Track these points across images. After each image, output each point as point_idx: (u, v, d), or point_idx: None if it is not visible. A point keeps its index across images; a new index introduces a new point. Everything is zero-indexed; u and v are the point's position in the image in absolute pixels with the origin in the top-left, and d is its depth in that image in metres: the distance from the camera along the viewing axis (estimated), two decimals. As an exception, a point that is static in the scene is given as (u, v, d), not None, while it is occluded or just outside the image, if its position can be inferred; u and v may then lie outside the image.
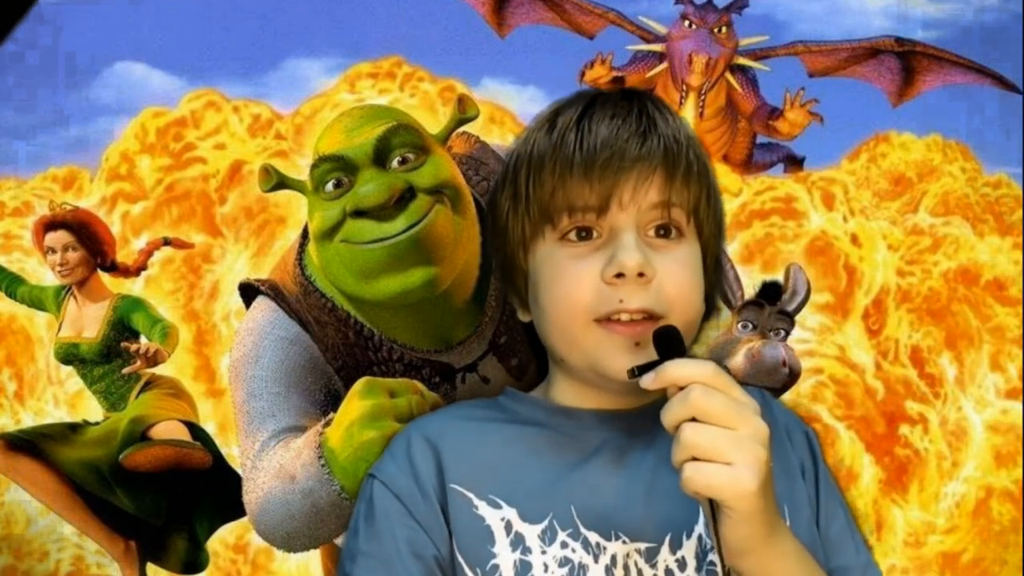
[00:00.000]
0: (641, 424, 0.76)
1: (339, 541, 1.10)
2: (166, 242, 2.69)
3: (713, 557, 0.71)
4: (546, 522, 0.73)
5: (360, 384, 0.98)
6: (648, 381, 0.66)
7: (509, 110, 3.22)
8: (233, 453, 2.32)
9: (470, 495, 0.74)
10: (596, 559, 0.72)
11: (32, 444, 2.29)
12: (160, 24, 3.18)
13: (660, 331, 0.68)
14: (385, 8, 3.25)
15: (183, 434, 2.31)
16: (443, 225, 1.06)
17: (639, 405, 0.76)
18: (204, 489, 2.33)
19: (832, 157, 3.45)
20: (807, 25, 3.32)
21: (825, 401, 3.15)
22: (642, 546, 0.73)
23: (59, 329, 2.48)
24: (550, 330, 0.76)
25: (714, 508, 0.63)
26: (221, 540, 2.71)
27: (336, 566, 0.79)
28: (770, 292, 1.97)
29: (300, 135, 3.30)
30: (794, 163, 3.44)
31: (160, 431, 2.29)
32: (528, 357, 1.18)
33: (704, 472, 0.62)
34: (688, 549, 0.74)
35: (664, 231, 0.73)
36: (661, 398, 0.66)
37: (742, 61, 3.23)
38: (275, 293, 1.18)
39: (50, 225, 2.43)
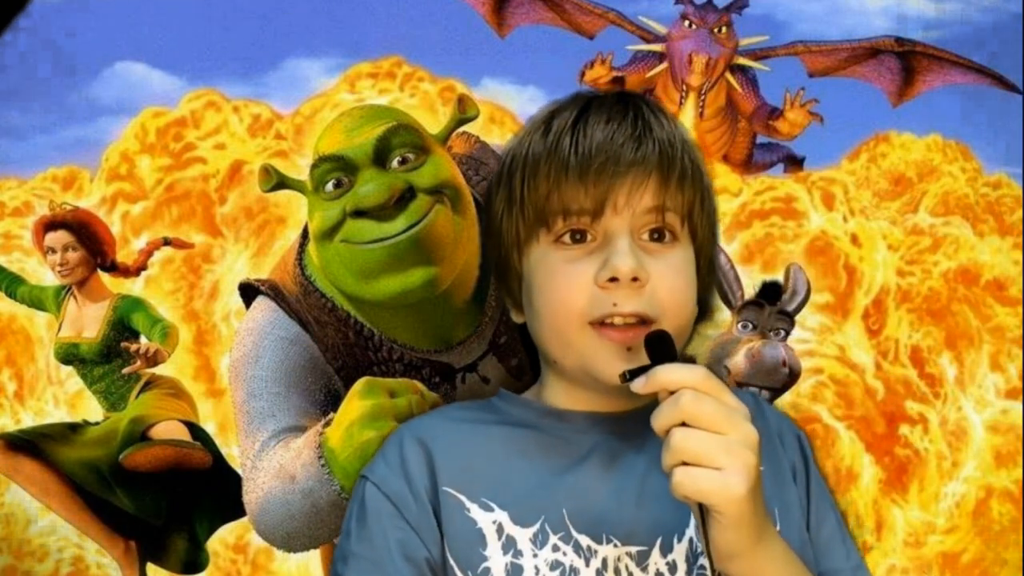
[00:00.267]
0: (632, 427, 0.76)
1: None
2: (166, 242, 2.69)
3: (703, 560, 0.71)
4: (537, 525, 0.73)
5: (360, 384, 0.98)
6: (639, 385, 0.66)
7: (509, 110, 3.22)
8: (233, 453, 2.32)
9: (462, 497, 0.74)
10: (587, 562, 0.72)
11: (32, 444, 2.29)
12: (160, 24, 3.18)
13: (651, 335, 0.68)
14: (385, 8, 3.25)
15: (183, 434, 2.30)
16: (443, 225, 1.06)
17: (631, 408, 0.76)
18: (204, 489, 2.33)
19: (832, 157, 3.45)
20: (807, 25, 3.32)
21: (825, 401, 3.15)
22: (633, 549, 0.73)
23: (59, 329, 2.48)
24: (543, 332, 0.76)
25: (704, 512, 0.64)
26: (221, 540, 2.71)
27: (331, 562, 0.79)
28: (770, 292, 1.97)
29: (300, 135, 3.30)
30: (794, 163, 3.44)
31: (160, 431, 2.29)
32: (528, 357, 1.18)
33: (694, 477, 0.62)
34: (679, 552, 0.74)
35: (658, 235, 0.73)
36: (653, 401, 0.66)
37: (742, 61, 3.23)
38: (275, 293, 1.18)
39: (50, 225, 2.43)
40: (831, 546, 0.80)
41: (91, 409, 2.58)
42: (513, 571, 0.72)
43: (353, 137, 1.07)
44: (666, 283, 0.72)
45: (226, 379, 1.24)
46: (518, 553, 0.72)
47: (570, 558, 0.72)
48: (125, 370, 2.34)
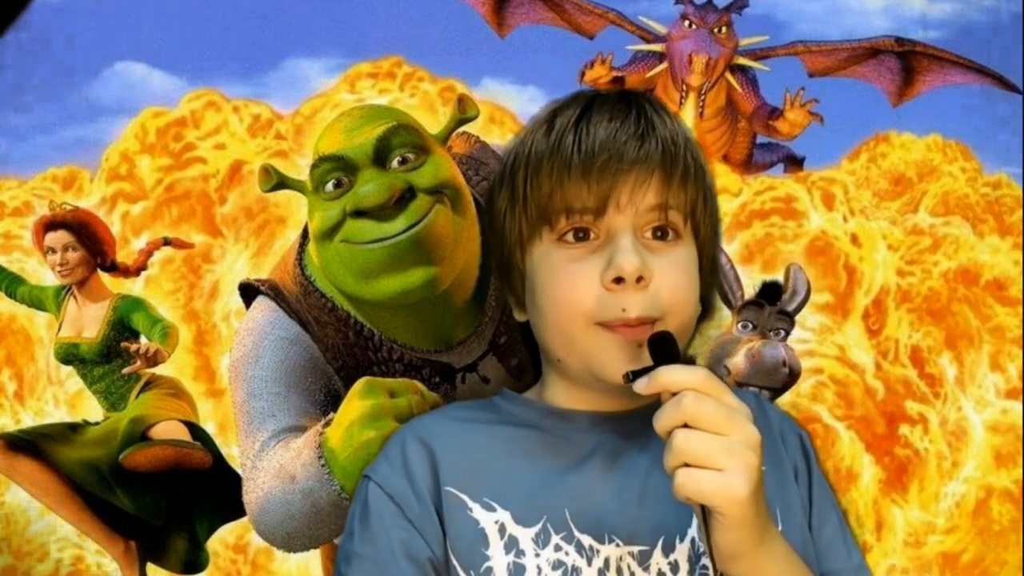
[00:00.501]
0: (635, 426, 0.76)
1: (339, 541, 1.10)
2: (166, 242, 2.69)
3: (706, 561, 0.72)
4: (540, 525, 0.73)
5: (360, 384, 0.98)
6: (641, 386, 0.66)
7: (509, 110, 3.22)
8: (233, 453, 2.32)
9: (464, 497, 0.74)
10: (589, 562, 0.72)
11: (32, 444, 2.29)
12: (160, 24, 3.18)
13: (654, 336, 0.68)
14: (385, 8, 3.24)
15: (183, 434, 2.30)
16: (443, 225, 1.06)
17: (633, 407, 0.76)
18: (204, 489, 2.33)
19: (832, 157, 3.45)
20: (807, 25, 3.32)
21: (825, 401, 3.15)
22: (635, 549, 0.73)
23: (59, 329, 2.48)
24: (547, 331, 0.76)
25: (706, 514, 0.64)
26: (221, 540, 2.71)
27: (334, 562, 0.79)
28: (770, 292, 1.97)
29: (300, 135, 3.30)
30: (794, 163, 3.44)
31: (160, 431, 2.29)
32: (528, 357, 1.18)
33: (696, 478, 0.62)
34: (681, 552, 0.74)
35: (661, 233, 0.73)
36: (655, 400, 0.66)
37: (742, 61, 3.23)
38: (275, 293, 1.18)
39: (50, 225, 2.43)
40: (833, 546, 0.80)
41: (91, 409, 2.58)
42: (515, 571, 0.72)
43: (353, 137, 1.07)
44: (670, 282, 0.72)
45: (226, 379, 1.24)
46: (520, 553, 0.72)
47: (572, 558, 0.72)
48: (125, 370, 2.34)
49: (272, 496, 1.03)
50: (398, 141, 1.07)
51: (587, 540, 0.73)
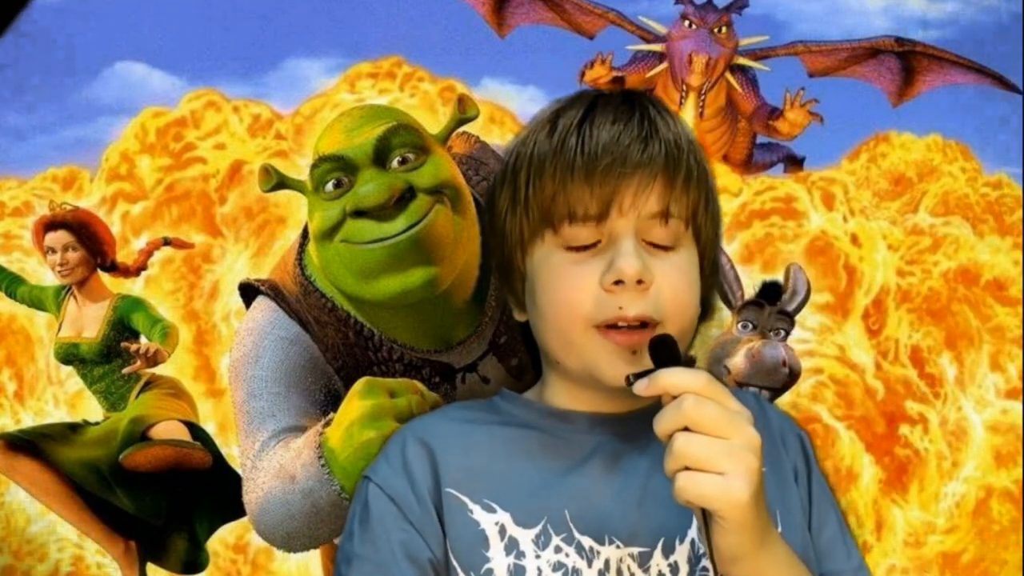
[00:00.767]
0: (635, 428, 0.76)
1: (339, 541, 1.10)
2: (166, 242, 2.69)
3: (706, 562, 0.71)
4: (540, 526, 0.73)
5: (360, 384, 0.98)
6: (641, 388, 0.66)
7: (509, 110, 3.22)
8: (233, 453, 2.32)
9: (465, 499, 0.74)
10: (590, 563, 0.72)
11: (32, 444, 2.29)
12: (160, 24, 3.18)
13: (655, 339, 0.68)
14: (385, 8, 3.24)
15: (183, 434, 2.30)
16: (443, 225, 1.06)
17: (633, 408, 0.76)
18: (204, 489, 2.33)
19: (832, 157, 3.45)
20: (807, 25, 3.32)
21: (825, 401, 3.15)
22: (635, 550, 0.73)
23: (59, 329, 2.48)
24: (547, 333, 0.76)
25: (706, 517, 0.64)
26: (221, 540, 2.71)
27: (334, 563, 0.79)
28: (770, 292, 1.97)
29: (300, 135, 3.30)
30: (794, 163, 3.44)
31: (160, 431, 2.29)
32: (528, 357, 1.18)
33: (696, 482, 0.62)
34: (681, 554, 0.74)
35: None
36: (656, 402, 0.66)
37: (742, 61, 3.23)
38: (275, 293, 1.18)
39: (50, 225, 2.43)
40: (832, 547, 0.80)
41: (91, 409, 2.58)
42: (516, 572, 0.72)
43: (353, 137, 1.07)
44: (670, 286, 0.72)
45: (226, 379, 1.24)
46: (520, 554, 0.72)
47: (572, 559, 0.72)
48: (125, 370, 2.34)
49: (272, 496, 1.03)
50: (398, 141, 1.07)
51: (587, 541, 0.73)
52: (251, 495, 1.08)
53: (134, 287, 2.77)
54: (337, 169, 1.06)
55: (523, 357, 1.19)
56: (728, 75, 3.22)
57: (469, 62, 3.26)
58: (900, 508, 3.13)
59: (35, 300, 2.57)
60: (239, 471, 1.15)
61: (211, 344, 3.16)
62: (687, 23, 3.19)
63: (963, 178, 3.41)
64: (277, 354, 1.13)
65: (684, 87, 3.23)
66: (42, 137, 3.26)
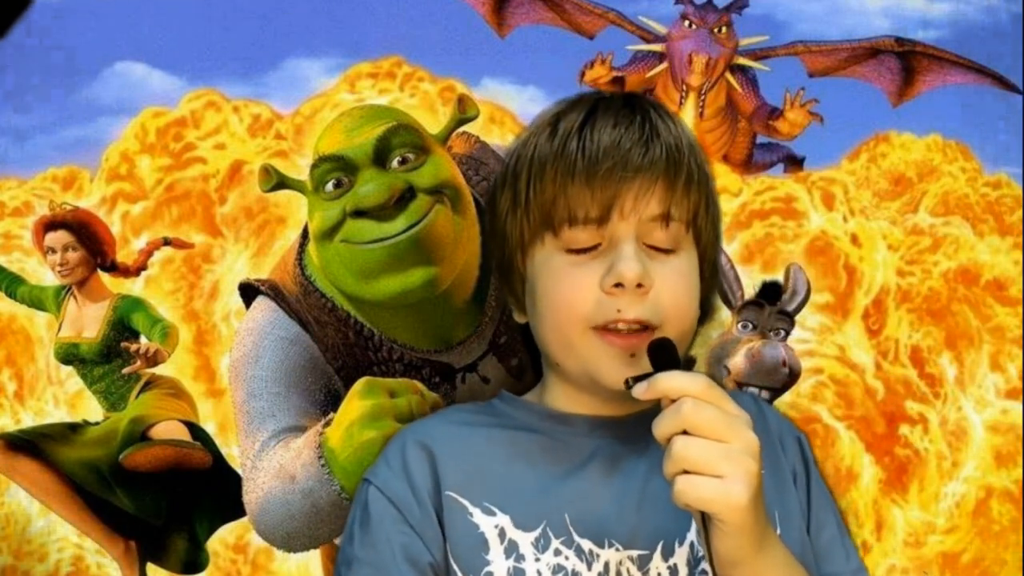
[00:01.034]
0: (634, 431, 0.76)
1: (339, 541, 1.10)
2: (166, 242, 2.69)
3: (705, 565, 0.71)
4: (539, 529, 0.73)
5: (360, 384, 0.98)
6: (640, 391, 0.66)
7: (509, 110, 3.22)
8: (233, 453, 2.32)
9: (464, 502, 0.74)
10: (589, 566, 0.72)
11: (32, 444, 2.29)
12: (160, 24, 3.18)
13: (654, 343, 0.68)
14: (385, 8, 3.24)
15: (183, 434, 2.30)
16: (443, 225, 1.06)
17: (633, 411, 0.76)
18: (204, 489, 2.33)
19: (832, 157, 3.45)
20: (807, 25, 3.32)
21: (825, 401, 3.15)
22: (635, 553, 0.73)
23: (59, 329, 2.48)
24: (547, 335, 0.76)
25: (705, 520, 0.64)
26: (221, 540, 2.71)
27: (335, 565, 0.79)
28: (770, 292, 1.97)
29: (300, 135, 3.30)
30: (794, 163, 3.44)
31: (160, 431, 2.29)
32: (528, 358, 1.18)
33: (695, 485, 0.62)
34: (680, 556, 0.74)
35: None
36: (655, 404, 0.66)
37: (742, 61, 3.23)
38: (275, 293, 1.18)
39: (50, 225, 2.43)
40: (831, 549, 0.80)
41: (91, 409, 2.58)
42: (515, 575, 0.72)
43: (353, 137, 1.07)
44: (670, 290, 0.72)
45: (226, 379, 1.24)
46: (520, 557, 0.72)
47: (572, 562, 0.72)
48: (125, 370, 2.34)
49: (272, 496, 1.03)
50: (398, 141, 1.07)
51: (587, 544, 0.73)
52: (251, 495, 1.08)
53: (134, 287, 2.77)
54: (337, 169, 1.06)
55: (523, 357, 1.19)
56: (728, 75, 3.22)
57: (469, 62, 3.26)
58: (900, 508, 3.13)
59: (35, 300, 2.57)
60: (239, 471, 1.15)
61: (211, 344, 3.16)
62: (687, 23, 3.19)
63: (963, 178, 3.41)
64: (277, 354, 1.13)
65: (684, 87, 3.23)
66: (42, 137, 3.26)
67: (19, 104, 3.21)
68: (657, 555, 0.73)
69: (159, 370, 2.42)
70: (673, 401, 0.64)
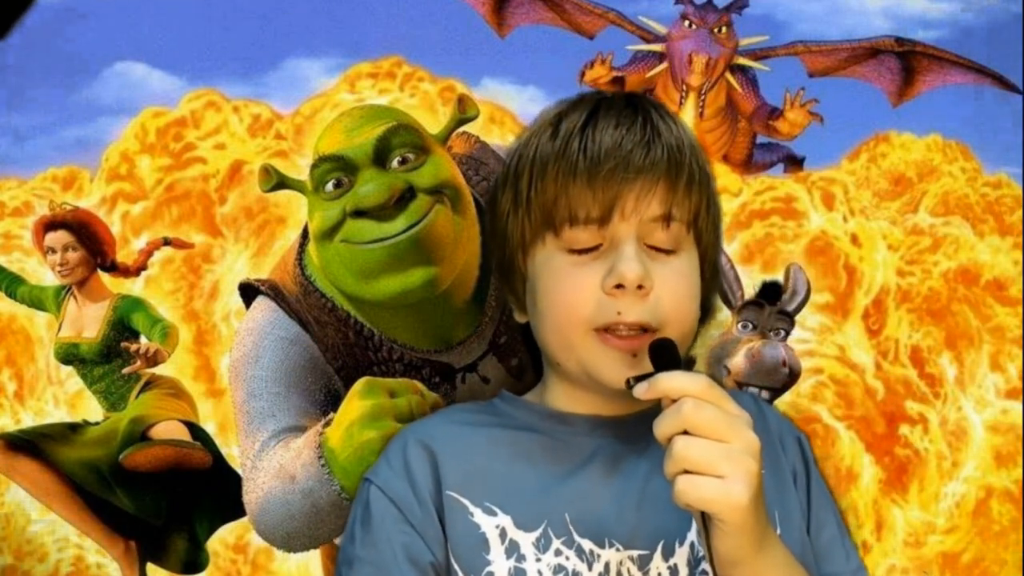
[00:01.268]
0: (635, 431, 0.76)
1: (339, 541, 1.10)
2: (166, 242, 2.69)
3: (705, 565, 0.72)
4: (540, 529, 0.73)
5: (360, 384, 0.98)
6: (641, 391, 0.66)
7: (509, 110, 3.22)
8: (233, 453, 2.32)
9: (465, 502, 0.74)
10: (590, 566, 0.72)
11: (32, 444, 2.29)
12: (160, 24, 3.18)
13: (655, 343, 0.69)
14: (385, 8, 3.24)
15: (183, 434, 2.31)
16: (443, 225, 1.06)
17: (633, 411, 0.76)
18: (204, 489, 2.33)
19: (832, 157, 3.44)
20: (807, 25, 3.32)
21: (825, 401, 3.15)
22: (635, 553, 0.73)
23: (59, 329, 2.48)
24: (547, 335, 0.76)
25: (706, 520, 0.64)
26: (221, 540, 2.70)
27: (335, 565, 0.79)
28: (770, 292, 1.97)
29: (300, 135, 3.30)
30: (794, 163, 3.44)
31: (160, 431, 2.29)
32: (528, 357, 1.18)
33: (696, 485, 0.62)
34: (680, 556, 0.74)
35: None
36: (656, 404, 0.66)
37: (742, 61, 3.23)
38: (275, 293, 1.18)
39: (50, 225, 2.43)
40: (831, 550, 0.81)
41: (91, 409, 2.58)
42: (516, 575, 0.72)
43: (353, 137, 1.07)
44: (671, 291, 0.72)
45: (226, 379, 1.24)
46: (521, 557, 0.72)
47: (573, 562, 0.72)
48: (125, 370, 2.34)
49: (272, 496, 1.03)
50: (398, 141, 1.07)
51: (587, 544, 0.73)
52: (251, 495, 1.08)
53: (134, 287, 2.77)
54: (337, 169, 1.06)
55: (523, 357, 1.19)
56: (728, 75, 3.22)
57: (469, 62, 3.25)
58: (900, 508, 3.13)
59: (35, 300, 2.57)
60: (239, 471, 1.15)
61: (211, 344, 3.16)
62: (687, 23, 3.19)
63: (963, 178, 3.41)
64: (277, 354, 1.13)
65: (684, 87, 3.23)
66: (42, 137, 3.26)
67: (19, 104, 3.21)
68: (657, 555, 0.73)
69: (159, 370, 2.42)
70: (674, 401, 0.64)
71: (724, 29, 3.18)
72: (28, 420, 3.09)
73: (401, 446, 0.77)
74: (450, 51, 3.25)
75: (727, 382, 1.93)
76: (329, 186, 1.07)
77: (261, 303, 1.19)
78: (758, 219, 3.33)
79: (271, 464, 1.05)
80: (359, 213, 1.04)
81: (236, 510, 1.69)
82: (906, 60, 3.23)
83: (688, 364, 0.70)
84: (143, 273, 2.67)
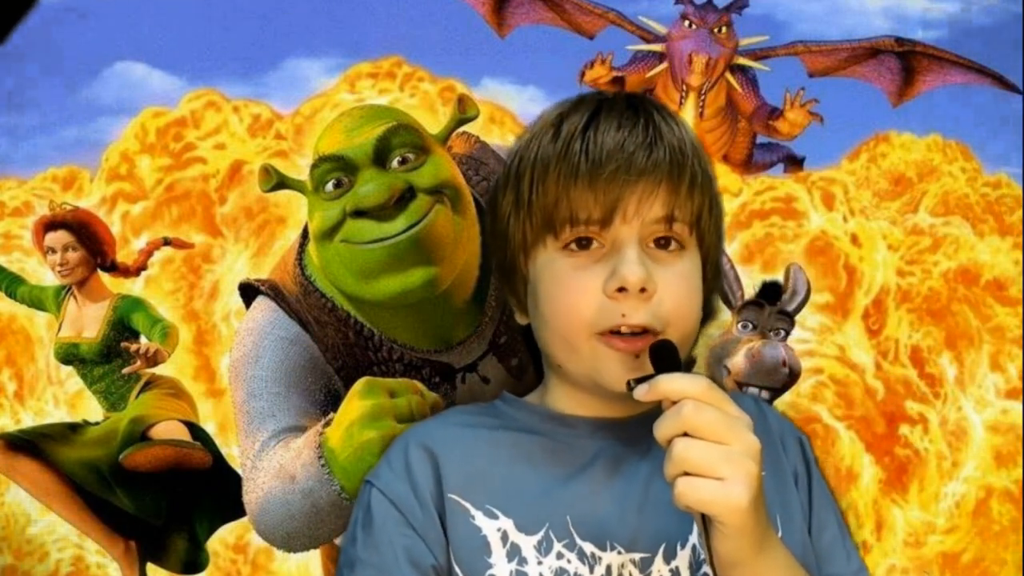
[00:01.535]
0: (636, 433, 0.76)
1: (339, 541, 1.10)
2: (166, 242, 2.69)
3: (706, 568, 0.71)
4: (542, 532, 0.73)
5: (360, 384, 0.98)
6: (641, 393, 0.66)
7: (509, 110, 3.22)
8: (233, 453, 2.32)
9: (467, 505, 0.74)
10: (591, 570, 0.72)
11: (32, 444, 2.29)
12: (160, 24, 3.18)
13: (656, 345, 0.68)
14: (385, 8, 3.24)
15: (183, 434, 2.31)
16: (443, 225, 1.06)
17: (635, 413, 0.76)
18: (204, 489, 2.33)
19: (832, 157, 3.45)
20: (807, 25, 3.32)
21: (825, 401, 3.15)
22: (636, 556, 0.73)
23: (59, 329, 2.48)
24: (549, 337, 0.76)
25: (706, 522, 0.64)
26: (221, 540, 2.71)
27: (336, 567, 0.79)
28: (770, 292, 1.97)
29: (300, 135, 3.30)
30: (794, 163, 3.44)
31: (160, 431, 2.29)
32: (528, 357, 1.18)
33: (696, 487, 0.62)
34: (682, 559, 0.74)
35: (665, 242, 0.73)
36: (657, 407, 0.66)
37: (742, 61, 3.23)
38: (275, 293, 1.18)
39: (50, 225, 2.43)
40: (832, 551, 0.80)
41: (91, 409, 2.58)
42: None
43: (353, 137, 1.07)
44: (673, 294, 0.72)
45: (226, 379, 1.24)
46: (523, 560, 0.72)
47: (574, 565, 0.72)
48: (125, 370, 2.34)
49: (272, 496, 1.03)
50: (398, 141, 1.07)
51: (589, 547, 0.73)
52: (251, 495, 1.08)
53: (134, 287, 2.77)
54: (337, 169, 1.06)
55: (523, 357, 1.19)
56: (728, 75, 3.22)
57: (469, 62, 3.25)
58: (900, 508, 3.13)
59: (35, 300, 2.57)
60: (239, 471, 1.15)
61: (211, 344, 3.16)
62: (687, 23, 3.19)
63: (963, 178, 3.41)
64: (277, 354, 1.13)
65: (684, 87, 3.23)
66: (42, 137, 3.26)
67: (19, 104, 3.21)
68: (659, 558, 0.73)
69: (159, 370, 2.42)
70: (674, 403, 0.64)
71: (724, 29, 3.18)
72: (28, 420, 3.09)
73: (402, 448, 0.77)
74: (450, 51, 3.26)
75: (727, 382, 1.93)
76: (329, 186, 1.07)
77: (261, 303, 1.19)
78: (758, 219, 3.33)
79: (271, 464, 1.05)
80: (359, 213, 1.04)
81: (236, 510, 1.69)
82: (906, 60, 3.24)
83: (688, 365, 0.70)
84: (143, 273, 2.66)
